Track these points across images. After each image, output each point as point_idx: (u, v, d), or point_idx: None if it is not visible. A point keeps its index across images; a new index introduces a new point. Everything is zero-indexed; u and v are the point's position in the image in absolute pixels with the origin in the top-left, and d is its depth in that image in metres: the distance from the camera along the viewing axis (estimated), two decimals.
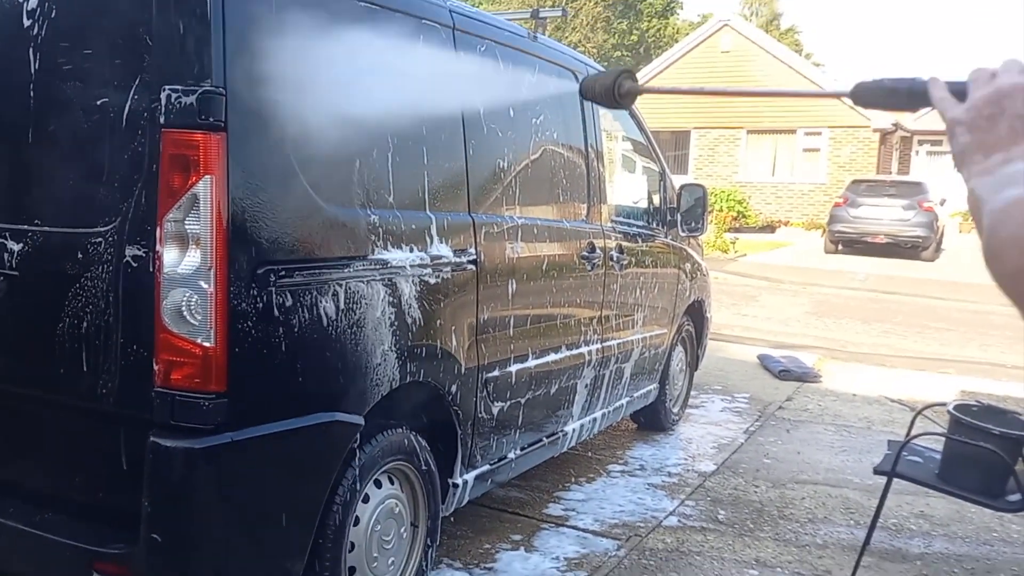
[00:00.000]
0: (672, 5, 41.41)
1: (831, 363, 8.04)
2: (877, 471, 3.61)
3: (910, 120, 28.38)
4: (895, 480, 3.54)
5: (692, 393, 6.10)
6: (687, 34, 30.33)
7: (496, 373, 3.39)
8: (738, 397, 6.61)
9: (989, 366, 8.40)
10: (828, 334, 9.80)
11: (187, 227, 2.20)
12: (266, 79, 2.36)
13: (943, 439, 3.51)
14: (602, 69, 4.72)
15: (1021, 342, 9.69)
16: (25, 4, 2.46)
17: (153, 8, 2.26)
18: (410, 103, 2.95)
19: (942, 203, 19.28)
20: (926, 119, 31.01)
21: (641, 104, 6.01)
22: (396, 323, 2.79)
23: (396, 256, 2.78)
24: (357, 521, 2.74)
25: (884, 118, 23.10)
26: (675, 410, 5.70)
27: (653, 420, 5.51)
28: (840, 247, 18.72)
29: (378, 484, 2.85)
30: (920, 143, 28.34)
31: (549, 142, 3.86)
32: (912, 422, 3.77)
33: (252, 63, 2.33)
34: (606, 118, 4.61)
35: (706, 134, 24.27)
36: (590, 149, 4.21)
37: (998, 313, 11.58)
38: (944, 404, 3.70)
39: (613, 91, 1.37)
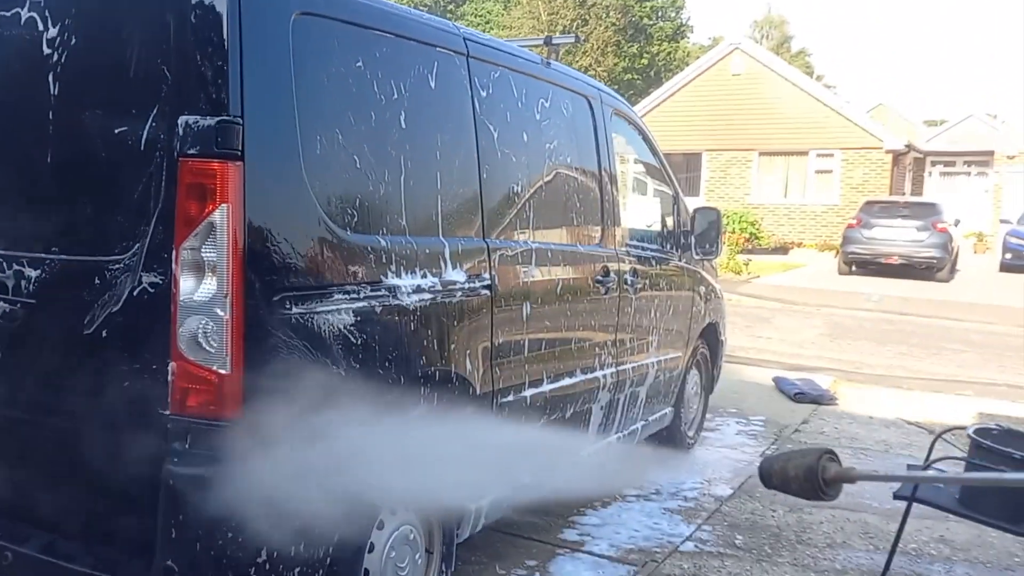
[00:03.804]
0: (682, 29, 41.62)
1: (847, 385, 7.98)
2: (897, 496, 3.57)
3: (923, 141, 28.39)
4: (915, 505, 3.50)
5: (707, 416, 6.06)
6: (697, 57, 30.44)
7: (511, 398, 3.38)
8: (753, 420, 6.57)
9: (1007, 388, 8.31)
10: (843, 356, 9.74)
11: (204, 255, 2.21)
12: (282, 107, 2.38)
13: (963, 463, 3.47)
14: (614, 93, 4.74)
15: None
16: (45, 32, 2.49)
17: (171, 38, 2.29)
18: (424, 129, 2.97)
19: (956, 224, 19.21)
20: (937, 140, 31.01)
21: (652, 126, 6.03)
22: (410, 348, 2.78)
23: (409, 282, 2.79)
24: (372, 548, 2.73)
25: (896, 139, 23.10)
26: (690, 433, 5.67)
27: (668, 444, 5.47)
28: (854, 268, 18.65)
29: (392, 510, 2.84)
30: (933, 164, 28.28)
31: (563, 166, 3.88)
32: (931, 446, 3.73)
33: (268, 92, 2.35)
34: (619, 142, 4.62)
35: (718, 156, 24.30)
36: (604, 173, 4.22)
37: (1015, 335, 11.50)
38: (964, 427, 3.66)
39: (817, 478, 1.13)
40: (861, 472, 1.27)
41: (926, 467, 3.50)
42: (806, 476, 1.12)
